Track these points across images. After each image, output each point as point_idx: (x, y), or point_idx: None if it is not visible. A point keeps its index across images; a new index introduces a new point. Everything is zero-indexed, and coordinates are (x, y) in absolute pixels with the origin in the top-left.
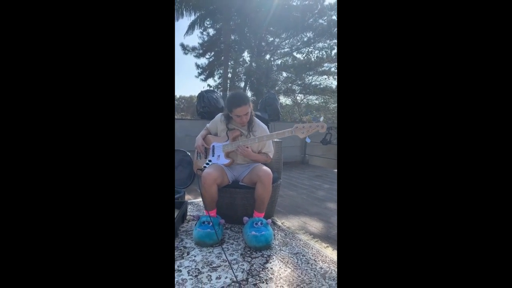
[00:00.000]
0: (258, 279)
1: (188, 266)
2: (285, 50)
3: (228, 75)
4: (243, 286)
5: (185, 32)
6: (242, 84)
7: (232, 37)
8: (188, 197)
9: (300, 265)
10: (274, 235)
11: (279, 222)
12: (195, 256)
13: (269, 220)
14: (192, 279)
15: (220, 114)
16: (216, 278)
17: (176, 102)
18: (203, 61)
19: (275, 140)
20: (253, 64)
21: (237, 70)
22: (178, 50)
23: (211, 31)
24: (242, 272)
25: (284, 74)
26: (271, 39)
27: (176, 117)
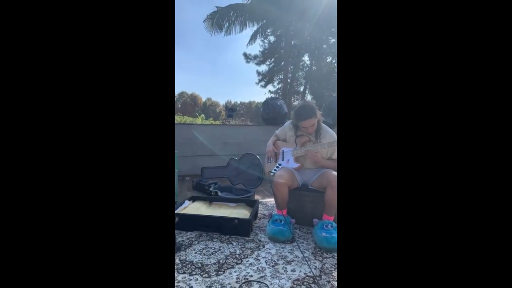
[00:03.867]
0: (332, 277)
1: (264, 257)
2: None
3: (288, 80)
4: (317, 281)
5: (248, 42)
6: (302, 88)
7: (292, 42)
8: (256, 197)
9: None
10: None
11: None
12: (270, 249)
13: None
14: (269, 268)
15: (288, 122)
16: (291, 270)
17: (236, 107)
18: (263, 68)
19: None
20: (313, 67)
21: (296, 75)
22: (241, 60)
23: (272, 38)
24: (315, 269)
25: None
26: (332, 40)
27: (236, 122)
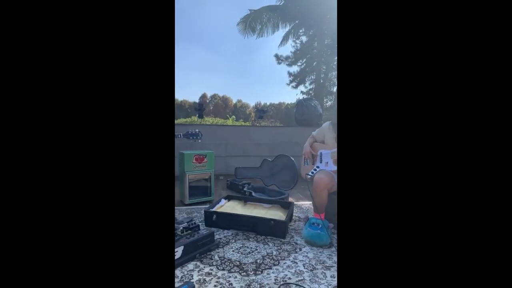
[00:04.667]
0: None
1: (302, 260)
2: None
3: (320, 80)
4: None
5: (279, 43)
6: (335, 89)
7: (326, 42)
8: (290, 199)
9: None
10: None
11: None
12: (307, 253)
13: None
14: (308, 272)
15: (328, 122)
16: (331, 276)
17: (265, 108)
18: (294, 68)
19: None
20: None
21: (329, 75)
22: (271, 61)
23: (304, 38)
24: None
25: None
26: None
27: (265, 123)
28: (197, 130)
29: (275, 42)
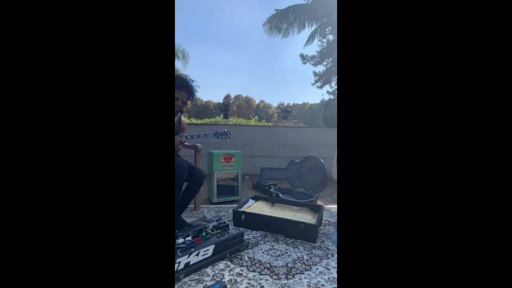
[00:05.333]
0: None
1: (335, 267)
2: None
3: None
4: None
5: (305, 43)
6: None
7: None
8: (318, 202)
9: None
10: None
11: None
12: None
13: None
14: None
15: None
16: None
17: (289, 109)
18: (320, 68)
19: None
20: None
21: None
22: (294, 61)
23: (331, 37)
24: None
25: None
26: None
27: (289, 124)
28: (226, 129)
29: (299, 42)
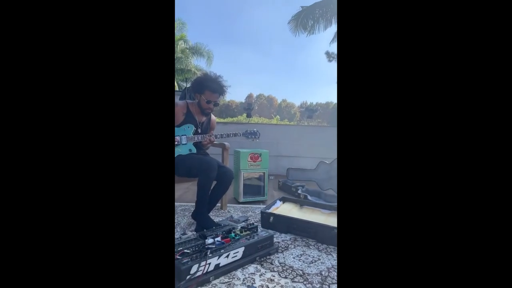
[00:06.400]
0: None
1: None
2: None
3: None
4: None
5: (331, 40)
6: None
7: None
8: None
9: None
10: None
11: None
12: None
13: None
14: None
15: None
16: None
17: (313, 108)
18: None
19: None
20: None
21: None
22: (319, 60)
23: None
24: None
25: None
26: None
27: (313, 124)
28: (255, 129)
29: (324, 40)
